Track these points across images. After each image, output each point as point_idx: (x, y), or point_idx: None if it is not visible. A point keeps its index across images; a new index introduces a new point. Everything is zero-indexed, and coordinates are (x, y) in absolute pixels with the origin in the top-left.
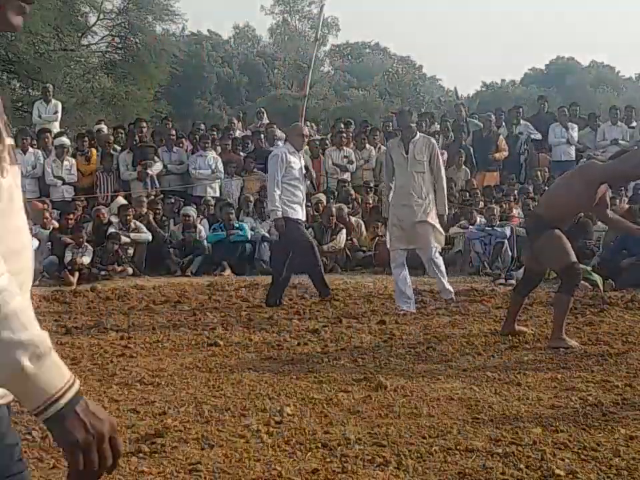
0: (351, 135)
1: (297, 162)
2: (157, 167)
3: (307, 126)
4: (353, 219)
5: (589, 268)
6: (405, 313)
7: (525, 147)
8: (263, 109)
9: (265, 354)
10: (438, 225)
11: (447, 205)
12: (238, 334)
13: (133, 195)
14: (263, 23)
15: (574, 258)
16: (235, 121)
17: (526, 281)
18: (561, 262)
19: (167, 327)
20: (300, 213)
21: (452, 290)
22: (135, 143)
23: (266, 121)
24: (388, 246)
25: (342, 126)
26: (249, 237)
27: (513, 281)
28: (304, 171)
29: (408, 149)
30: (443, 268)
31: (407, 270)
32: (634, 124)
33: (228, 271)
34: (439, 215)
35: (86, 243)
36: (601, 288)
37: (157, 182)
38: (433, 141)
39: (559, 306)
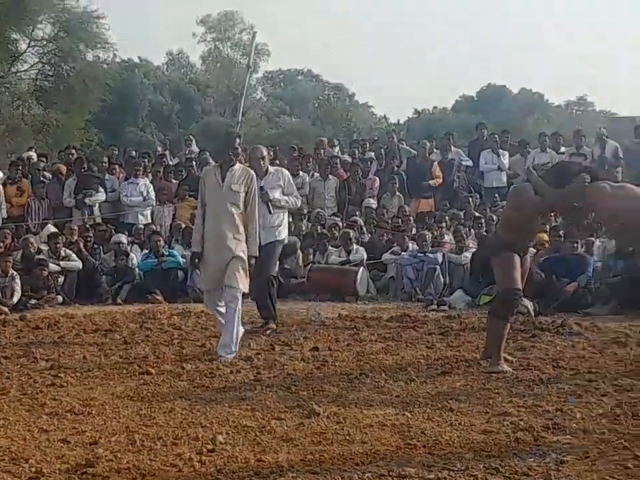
0: (285, 161)
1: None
2: (98, 197)
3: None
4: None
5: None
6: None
7: (457, 174)
8: (191, 137)
9: (197, 382)
10: (246, 266)
11: (257, 246)
12: (170, 362)
13: (71, 222)
14: (196, 51)
15: (517, 285)
16: (160, 149)
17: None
18: (503, 284)
19: (98, 355)
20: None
21: (235, 350)
22: (82, 170)
23: (195, 148)
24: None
25: (272, 153)
26: (181, 263)
27: (445, 307)
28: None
29: (225, 177)
30: (238, 319)
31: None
32: (562, 150)
33: (160, 299)
34: (248, 257)
35: (13, 271)
36: (532, 313)
37: (96, 211)
38: (253, 174)
39: (495, 331)
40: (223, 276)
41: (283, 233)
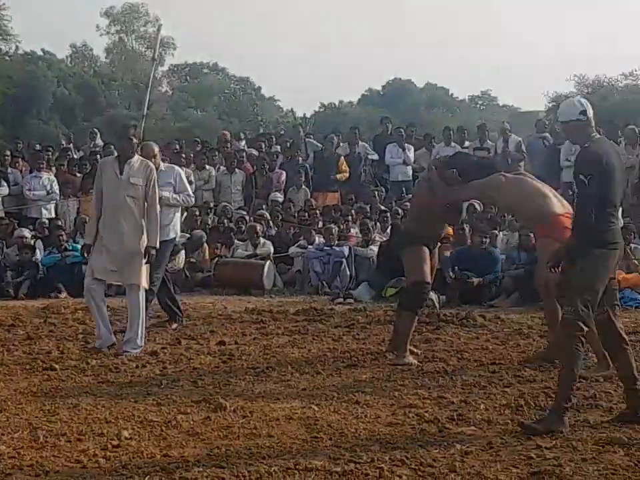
0: (191, 155)
1: None
2: (0, 191)
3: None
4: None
5: None
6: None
7: (363, 167)
8: (96, 130)
9: (102, 377)
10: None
11: (158, 239)
12: (74, 357)
13: None
14: (100, 43)
15: (427, 278)
16: (64, 142)
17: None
18: (412, 277)
19: (0, 351)
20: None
21: (141, 345)
22: None
23: (99, 141)
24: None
25: (177, 147)
26: (85, 258)
27: (352, 300)
28: None
29: (123, 169)
30: (143, 315)
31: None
32: (467, 144)
33: (64, 294)
34: (148, 247)
35: None
36: (437, 305)
37: None
38: (152, 166)
39: (402, 324)
40: (120, 270)
41: (173, 232)
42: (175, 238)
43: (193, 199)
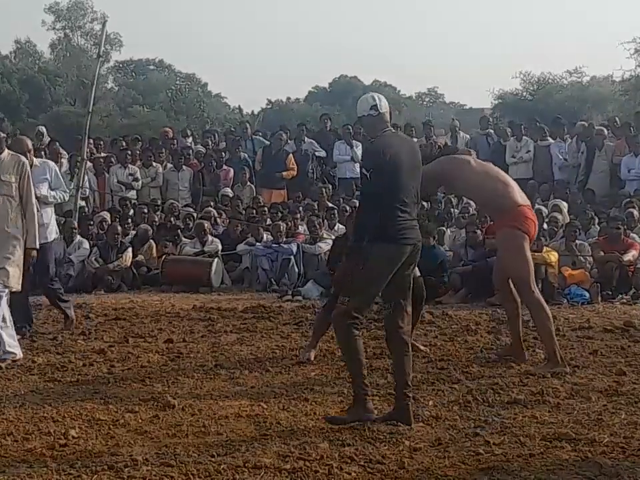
0: (137, 152)
1: None
2: None
3: (90, 143)
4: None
5: None
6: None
7: (310, 165)
8: (42, 128)
9: (49, 376)
10: (20, 263)
11: (37, 237)
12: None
13: None
14: (45, 39)
15: None
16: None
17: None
18: None
19: None
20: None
21: (15, 352)
22: None
23: (47, 139)
24: None
25: (123, 143)
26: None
27: (300, 297)
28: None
29: None
30: (8, 317)
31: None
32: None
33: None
34: (29, 250)
35: None
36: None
37: None
38: (25, 160)
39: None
40: None
41: (54, 233)
42: (55, 239)
43: (68, 196)
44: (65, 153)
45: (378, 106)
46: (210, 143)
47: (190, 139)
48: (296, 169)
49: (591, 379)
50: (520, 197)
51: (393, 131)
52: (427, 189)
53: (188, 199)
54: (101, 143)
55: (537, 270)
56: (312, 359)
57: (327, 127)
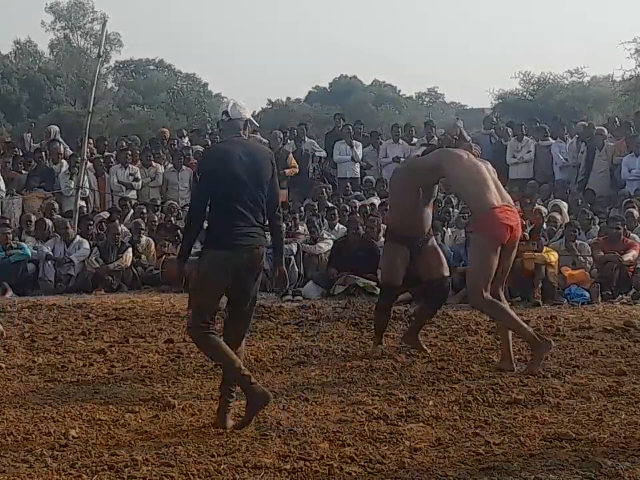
0: (137, 152)
1: None
2: None
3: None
4: (143, 237)
5: (373, 283)
6: None
7: (311, 164)
8: (52, 128)
9: (49, 376)
10: None
11: None
12: (21, 356)
13: None
14: (45, 39)
15: (394, 281)
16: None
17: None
18: (382, 277)
19: None
20: None
21: None
22: None
23: (58, 137)
24: None
25: (123, 144)
26: (30, 255)
27: (300, 297)
28: None
29: None
30: None
31: None
32: (414, 141)
33: (9, 292)
34: None
35: None
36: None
37: None
38: None
39: (375, 318)
40: None
41: None
42: None
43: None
44: (68, 152)
45: (229, 112)
46: (209, 142)
47: (186, 139)
48: (297, 166)
49: (591, 379)
50: (496, 198)
51: (245, 138)
52: (426, 180)
53: (188, 198)
54: (105, 142)
55: (537, 270)
56: (379, 355)
57: (340, 127)
